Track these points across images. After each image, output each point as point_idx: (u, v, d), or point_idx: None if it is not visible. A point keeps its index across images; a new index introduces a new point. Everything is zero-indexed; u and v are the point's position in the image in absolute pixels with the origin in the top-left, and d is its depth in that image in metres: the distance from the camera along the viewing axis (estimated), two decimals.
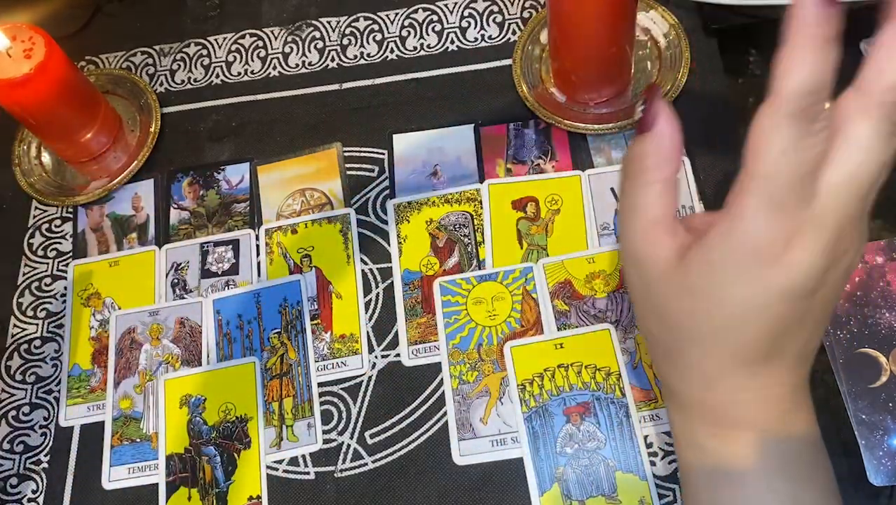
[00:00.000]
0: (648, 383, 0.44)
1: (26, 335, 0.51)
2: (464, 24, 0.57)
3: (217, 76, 0.58)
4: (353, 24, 0.59)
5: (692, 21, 0.53)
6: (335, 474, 0.45)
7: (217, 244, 0.52)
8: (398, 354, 0.47)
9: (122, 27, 0.62)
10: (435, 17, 0.58)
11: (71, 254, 0.53)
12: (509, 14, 0.57)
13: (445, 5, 0.58)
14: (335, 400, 0.47)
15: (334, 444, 0.46)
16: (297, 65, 0.58)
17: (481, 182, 0.51)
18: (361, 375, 0.47)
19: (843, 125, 0.29)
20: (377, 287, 0.49)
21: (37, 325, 0.51)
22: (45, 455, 0.47)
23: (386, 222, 0.51)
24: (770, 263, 0.27)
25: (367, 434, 0.46)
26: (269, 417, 0.47)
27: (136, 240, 0.53)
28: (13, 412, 0.49)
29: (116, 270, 0.52)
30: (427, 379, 0.46)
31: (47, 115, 0.50)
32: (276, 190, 0.53)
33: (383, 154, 0.53)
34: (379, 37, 0.58)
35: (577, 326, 0.46)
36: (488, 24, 0.57)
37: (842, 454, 0.41)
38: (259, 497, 0.45)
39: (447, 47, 0.57)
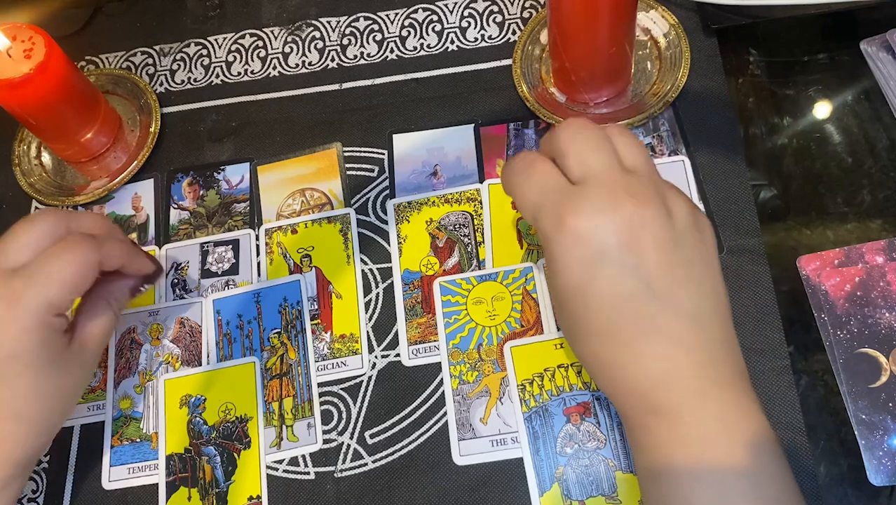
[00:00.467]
0: None
1: None
2: (464, 24, 0.57)
3: (217, 76, 0.58)
4: (353, 24, 0.59)
5: (692, 21, 0.53)
6: (335, 474, 0.45)
7: (217, 244, 0.52)
8: (398, 354, 0.47)
9: (122, 27, 0.62)
10: (435, 17, 0.58)
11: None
12: (509, 14, 0.57)
13: (445, 5, 0.58)
14: (335, 400, 0.47)
15: (334, 444, 0.46)
16: (297, 65, 0.58)
17: (481, 182, 0.51)
18: (361, 375, 0.47)
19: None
20: (377, 287, 0.49)
21: None
22: (45, 455, 0.47)
23: (386, 222, 0.51)
24: (573, 243, 0.33)
25: (367, 434, 0.46)
26: (269, 417, 0.47)
27: (136, 240, 0.53)
28: None
29: None
30: (427, 379, 0.46)
31: (47, 115, 0.50)
32: (276, 190, 0.53)
33: (383, 154, 0.53)
34: (379, 37, 0.58)
35: None
36: (488, 24, 0.57)
37: (842, 454, 0.41)
38: (259, 497, 0.45)
39: (447, 47, 0.57)
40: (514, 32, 0.56)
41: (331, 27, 0.59)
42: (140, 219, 0.54)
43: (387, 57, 0.57)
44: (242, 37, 0.60)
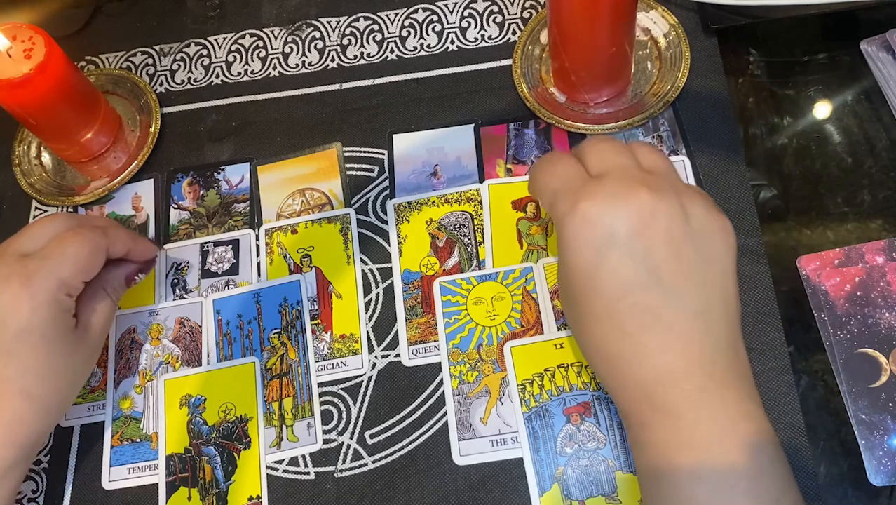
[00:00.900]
0: None
1: None
2: (464, 24, 0.57)
3: (217, 76, 0.58)
4: (353, 24, 0.59)
5: (692, 21, 0.53)
6: (335, 474, 0.45)
7: (217, 244, 0.52)
8: (398, 354, 0.47)
9: (122, 27, 0.62)
10: (435, 17, 0.58)
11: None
12: (509, 14, 0.57)
13: (445, 5, 0.58)
14: (335, 400, 0.47)
15: (334, 444, 0.46)
16: (297, 65, 0.58)
17: (481, 182, 0.51)
18: (361, 375, 0.47)
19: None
20: (377, 287, 0.49)
21: None
22: (45, 455, 0.47)
23: (386, 222, 0.51)
24: (583, 225, 0.34)
25: (367, 434, 0.46)
26: (269, 417, 0.47)
27: None
28: None
29: None
30: (427, 379, 0.46)
31: (47, 115, 0.50)
32: (276, 190, 0.53)
33: (383, 154, 0.53)
34: (379, 37, 0.58)
35: None
36: (488, 24, 0.57)
37: (842, 454, 0.41)
38: (259, 497, 0.45)
39: (447, 47, 0.57)
40: (514, 32, 0.56)
41: (331, 27, 0.59)
42: (140, 219, 0.54)
43: (387, 57, 0.57)
44: (242, 37, 0.60)
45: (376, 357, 0.47)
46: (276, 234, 0.52)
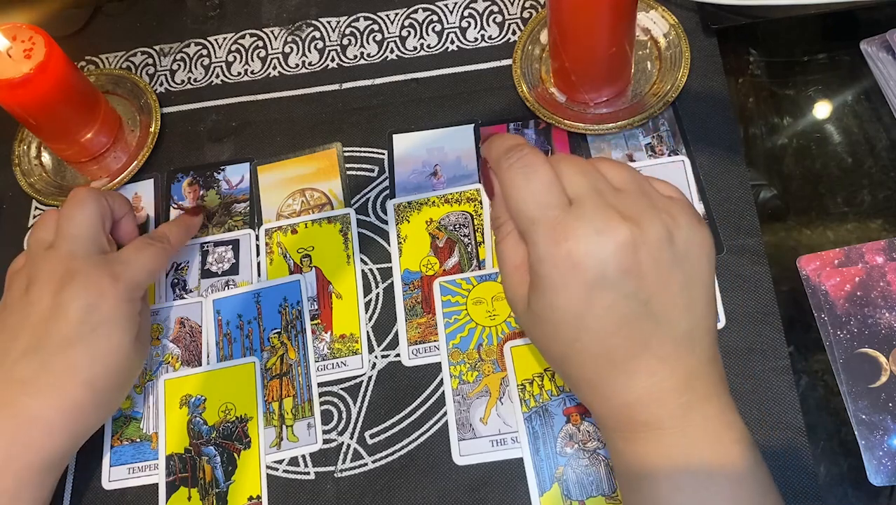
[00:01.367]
0: None
1: None
2: (464, 24, 0.57)
3: (217, 76, 0.58)
4: (353, 24, 0.59)
5: (692, 21, 0.53)
6: (335, 474, 0.45)
7: (217, 244, 0.52)
8: (398, 354, 0.47)
9: (122, 27, 0.62)
10: (435, 17, 0.58)
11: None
12: (509, 14, 0.57)
13: (445, 5, 0.58)
14: (335, 400, 0.47)
15: (334, 444, 0.46)
16: (297, 65, 0.58)
17: (481, 182, 0.51)
18: (361, 375, 0.47)
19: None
20: (377, 287, 0.49)
21: None
22: None
23: (386, 222, 0.51)
24: (571, 269, 0.32)
25: (367, 434, 0.46)
26: (269, 417, 0.47)
27: None
28: None
29: None
30: (427, 379, 0.46)
31: (47, 115, 0.50)
32: (276, 190, 0.53)
33: (383, 154, 0.53)
34: (379, 37, 0.58)
35: None
36: (488, 24, 0.57)
37: (842, 454, 0.41)
38: (259, 497, 0.45)
39: (447, 47, 0.57)
40: (514, 32, 0.56)
41: (331, 27, 0.59)
42: (140, 219, 0.54)
43: (387, 57, 0.57)
44: (242, 37, 0.60)
45: (376, 357, 0.47)
46: (276, 234, 0.52)
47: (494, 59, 0.55)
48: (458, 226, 0.50)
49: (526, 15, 0.57)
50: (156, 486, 0.46)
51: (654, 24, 0.53)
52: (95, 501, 0.46)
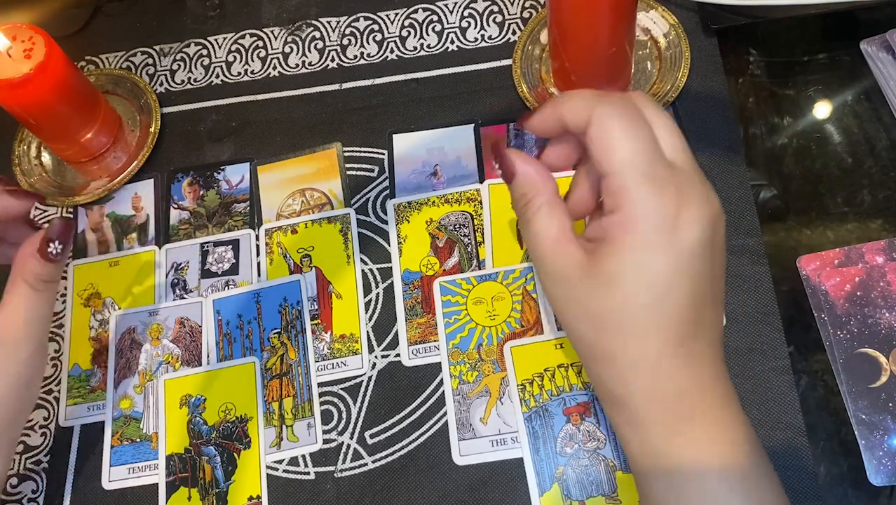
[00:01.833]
0: None
1: None
2: (464, 24, 0.57)
3: (217, 76, 0.58)
4: (353, 24, 0.59)
5: (692, 21, 0.53)
6: (335, 474, 0.45)
7: (217, 244, 0.52)
8: (398, 354, 0.47)
9: (122, 27, 0.62)
10: (435, 17, 0.58)
11: (71, 254, 0.53)
12: (509, 14, 0.57)
13: (445, 5, 0.58)
14: (335, 400, 0.47)
15: (334, 444, 0.46)
16: (297, 65, 0.58)
17: (481, 182, 0.51)
18: (361, 375, 0.47)
19: (644, 109, 0.33)
20: (377, 287, 0.49)
21: None
22: (45, 455, 0.47)
23: (386, 222, 0.51)
24: (672, 230, 0.30)
25: (367, 434, 0.46)
26: (269, 417, 0.47)
27: (136, 240, 0.53)
28: None
29: (116, 269, 0.52)
30: (427, 379, 0.46)
31: (47, 115, 0.50)
32: (276, 190, 0.53)
33: (383, 154, 0.53)
34: (379, 37, 0.58)
35: None
36: (488, 24, 0.57)
37: (842, 454, 0.41)
38: (259, 497, 0.45)
39: (447, 47, 0.57)
40: (514, 32, 0.56)
41: (331, 27, 0.59)
42: (140, 219, 0.54)
43: (387, 57, 0.57)
44: (242, 37, 0.60)
45: (376, 357, 0.47)
46: (276, 234, 0.52)
47: (494, 59, 0.55)
48: (458, 226, 0.50)
49: (526, 15, 0.57)
50: (156, 486, 0.46)
51: (654, 24, 0.53)
52: (95, 501, 0.46)
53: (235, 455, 0.46)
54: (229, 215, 0.53)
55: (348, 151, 0.54)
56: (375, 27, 0.58)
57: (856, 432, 0.41)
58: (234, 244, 0.52)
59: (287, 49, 0.59)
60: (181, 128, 0.57)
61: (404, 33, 0.58)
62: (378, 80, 0.56)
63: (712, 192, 0.32)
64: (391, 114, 0.55)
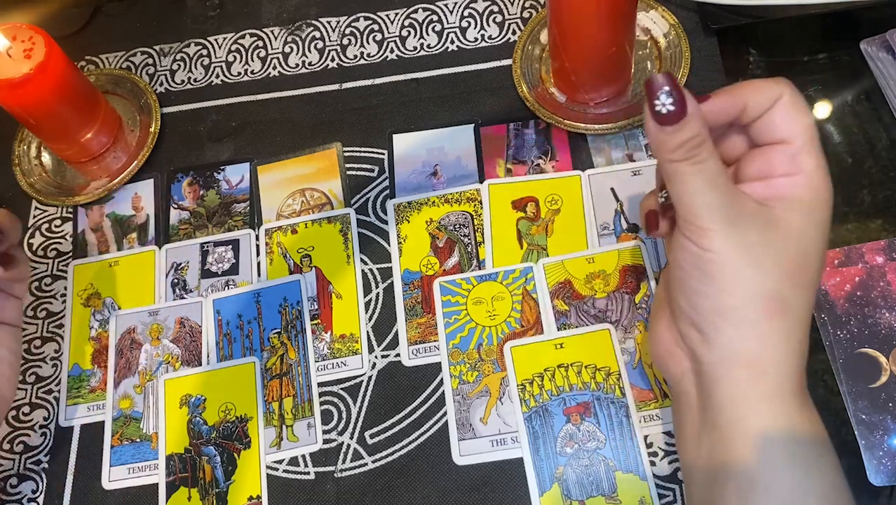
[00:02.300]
0: (648, 383, 0.44)
1: (26, 335, 0.51)
2: (464, 24, 0.57)
3: (217, 76, 0.58)
4: (353, 24, 0.59)
5: (692, 21, 0.53)
6: (335, 474, 0.45)
7: (217, 244, 0.52)
8: (398, 354, 0.47)
9: (122, 27, 0.62)
10: (435, 17, 0.58)
11: (71, 254, 0.53)
12: (509, 14, 0.57)
13: (445, 5, 0.58)
14: (335, 400, 0.47)
15: (334, 444, 0.46)
16: (297, 65, 0.58)
17: (481, 182, 0.51)
18: (361, 375, 0.47)
19: None
20: (377, 287, 0.49)
21: (37, 325, 0.51)
22: (45, 455, 0.47)
23: (386, 222, 0.51)
24: (826, 207, 0.34)
25: (367, 434, 0.46)
26: (269, 417, 0.47)
27: (136, 240, 0.53)
28: (13, 412, 0.49)
29: (116, 269, 0.52)
30: (427, 379, 0.46)
31: (47, 115, 0.50)
32: (276, 190, 0.53)
33: (383, 154, 0.53)
34: (379, 37, 0.58)
35: (576, 326, 0.46)
36: (488, 24, 0.57)
37: (842, 454, 0.41)
38: (259, 497, 0.45)
39: (447, 47, 0.57)
40: (514, 32, 0.56)
41: (331, 27, 0.59)
42: (140, 219, 0.54)
43: (387, 57, 0.57)
44: (242, 37, 0.60)
45: (376, 357, 0.47)
46: (276, 234, 0.52)
47: (494, 59, 0.55)
48: (458, 226, 0.50)
49: (526, 15, 0.57)
50: (156, 486, 0.46)
51: (654, 24, 0.53)
52: (95, 501, 0.46)
53: (235, 455, 0.46)
54: (229, 215, 0.53)
55: (348, 151, 0.54)
56: (375, 27, 0.58)
57: (856, 432, 0.41)
58: (234, 244, 0.52)
59: (287, 49, 0.59)
60: (181, 128, 0.57)
61: (404, 33, 0.58)
62: (378, 80, 0.56)
63: None
64: (391, 114, 0.55)
